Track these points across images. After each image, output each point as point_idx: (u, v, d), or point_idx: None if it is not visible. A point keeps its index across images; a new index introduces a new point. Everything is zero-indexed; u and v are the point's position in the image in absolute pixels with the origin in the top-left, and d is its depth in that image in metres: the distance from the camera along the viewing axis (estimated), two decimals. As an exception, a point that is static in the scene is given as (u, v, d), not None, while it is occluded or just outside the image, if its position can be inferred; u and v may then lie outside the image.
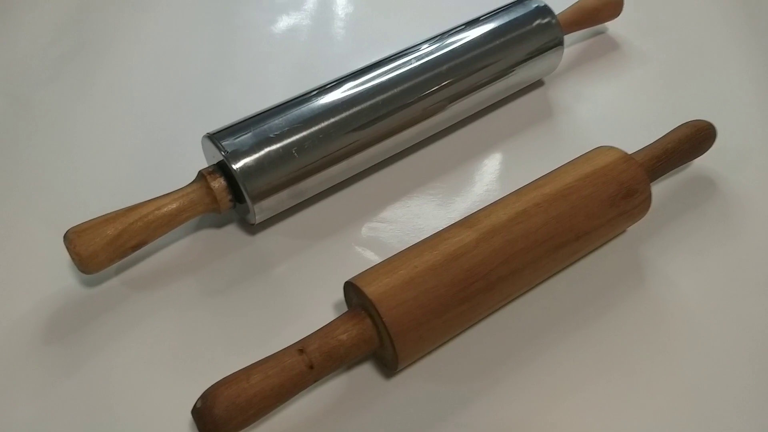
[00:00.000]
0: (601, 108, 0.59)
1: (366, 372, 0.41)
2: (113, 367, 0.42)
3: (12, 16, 0.67)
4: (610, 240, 0.48)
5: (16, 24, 0.66)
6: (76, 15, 0.68)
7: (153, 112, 0.58)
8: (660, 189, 0.52)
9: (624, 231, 0.48)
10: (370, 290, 0.38)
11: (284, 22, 0.68)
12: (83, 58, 0.63)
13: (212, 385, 0.35)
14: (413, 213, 0.51)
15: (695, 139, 0.49)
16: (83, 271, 0.43)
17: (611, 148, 0.46)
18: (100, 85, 0.61)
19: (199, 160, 0.49)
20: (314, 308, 0.44)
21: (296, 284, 0.46)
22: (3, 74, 0.62)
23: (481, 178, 0.53)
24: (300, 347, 0.37)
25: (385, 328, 0.37)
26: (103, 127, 0.57)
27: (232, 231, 0.49)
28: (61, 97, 0.59)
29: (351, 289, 0.40)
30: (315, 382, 0.38)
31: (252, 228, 0.49)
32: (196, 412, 0.35)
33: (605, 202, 0.43)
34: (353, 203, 0.51)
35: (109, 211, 0.44)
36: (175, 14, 0.68)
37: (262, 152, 0.45)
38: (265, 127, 0.46)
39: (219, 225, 0.49)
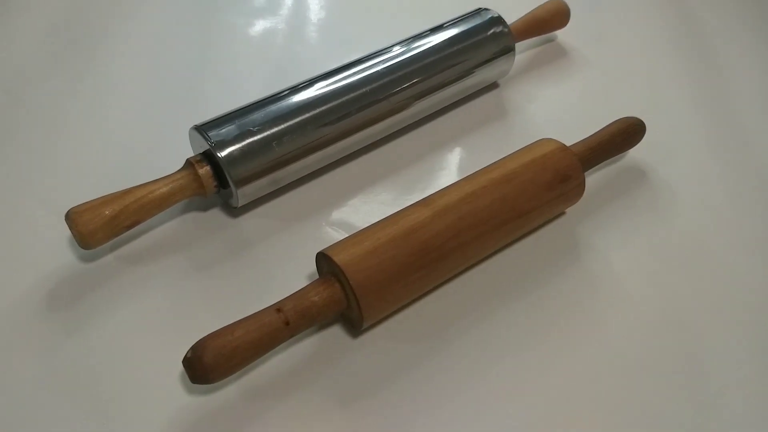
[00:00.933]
0: (549, 107, 0.66)
1: (335, 332, 0.47)
2: (110, 331, 0.47)
3: (6, 18, 0.72)
4: (551, 220, 0.54)
5: (11, 25, 0.71)
6: (66, 17, 0.72)
7: (140, 107, 0.63)
8: (597, 177, 0.58)
9: (564, 213, 0.55)
10: (339, 258, 0.43)
11: (261, 26, 0.73)
12: (74, 56, 0.68)
13: (201, 338, 0.41)
14: (378, 200, 0.57)
15: (626, 133, 0.56)
16: (83, 247, 0.48)
17: (550, 140, 0.53)
18: (90, 82, 0.66)
19: (182, 149, 0.54)
20: (290, 279, 0.49)
21: (274, 259, 0.52)
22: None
23: (441, 168, 0.59)
24: (277, 307, 0.43)
25: (351, 290, 0.43)
26: (94, 119, 0.62)
27: (216, 214, 0.55)
28: (55, 93, 0.64)
29: (322, 259, 0.46)
30: (290, 337, 0.43)
31: (234, 211, 0.55)
32: (186, 361, 0.40)
33: (543, 186, 0.50)
34: (326, 190, 0.57)
35: (101, 194, 0.49)
36: (158, 17, 0.73)
37: (245, 143, 0.51)
38: (248, 120, 0.52)
39: (204, 209, 0.55)
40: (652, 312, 0.50)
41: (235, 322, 0.42)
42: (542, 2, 0.69)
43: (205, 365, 0.40)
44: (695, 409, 0.44)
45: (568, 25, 0.71)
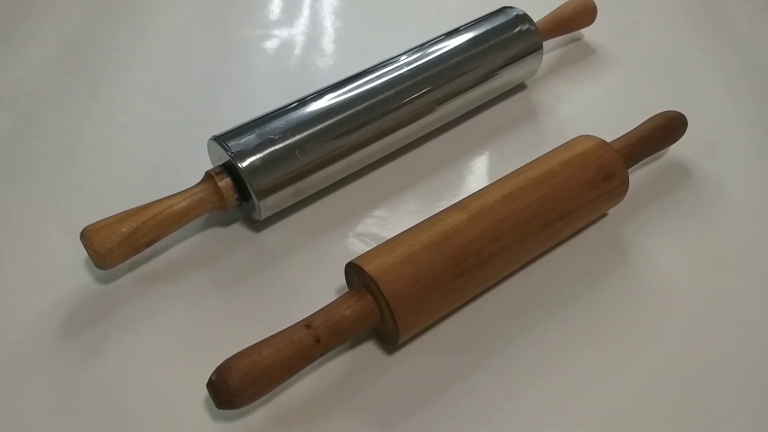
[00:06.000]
0: (581, 107, 0.63)
1: (369, 349, 0.44)
2: (129, 354, 0.44)
3: (19, 39, 0.70)
4: (594, 222, 0.51)
5: (24, 46, 0.70)
6: (79, 35, 0.71)
7: (156, 121, 0.61)
8: (639, 175, 0.55)
9: (606, 214, 0.52)
10: (370, 268, 0.40)
11: (277, 37, 0.71)
12: (88, 75, 0.66)
13: (226, 359, 0.38)
14: (407, 209, 0.54)
15: (667, 127, 0.53)
16: (99, 267, 0.46)
17: (589, 136, 0.50)
18: (105, 99, 0.64)
19: (200, 163, 0.52)
20: (318, 294, 0.46)
21: (300, 273, 0.49)
22: (13, 92, 0.64)
23: (470, 174, 0.56)
24: (307, 323, 0.40)
25: (385, 302, 0.40)
26: (110, 135, 0.60)
27: (238, 228, 0.52)
28: (69, 112, 0.62)
29: (352, 270, 0.43)
30: (322, 355, 0.40)
31: (256, 225, 0.52)
32: (211, 384, 0.38)
33: (585, 185, 0.46)
34: (351, 199, 0.54)
35: (119, 212, 0.46)
36: (173, 32, 0.72)
37: (266, 152, 0.48)
38: (268, 128, 0.49)
39: (225, 224, 0.52)
40: (707, 314, 0.46)
41: (261, 341, 0.39)
42: (566, 0, 0.67)
43: (231, 388, 0.37)
44: (759, 414, 0.41)
45: (594, 22, 0.68)
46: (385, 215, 0.53)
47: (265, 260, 0.50)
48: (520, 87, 0.64)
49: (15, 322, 0.46)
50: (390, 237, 0.45)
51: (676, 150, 0.57)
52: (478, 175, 0.56)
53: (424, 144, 0.59)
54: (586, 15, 0.67)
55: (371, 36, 0.72)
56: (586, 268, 0.49)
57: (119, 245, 0.45)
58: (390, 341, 0.43)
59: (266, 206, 0.49)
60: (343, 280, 0.46)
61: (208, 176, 0.49)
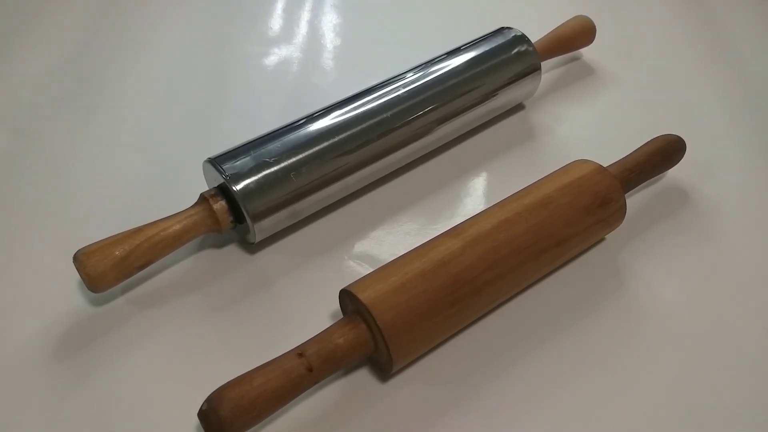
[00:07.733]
0: (579, 127, 0.62)
1: (362, 376, 0.44)
2: (121, 379, 0.44)
3: (15, 55, 0.70)
4: (590, 247, 0.51)
5: (20, 62, 0.69)
6: (76, 52, 0.71)
7: (152, 141, 0.61)
8: (636, 199, 0.55)
9: (603, 239, 0.51)
10: (364, 296, 0.40)
11: (276, 55, 0.71)
12: (85, 92, 0.66)
13: (217, 388, 0.37)
14: (403, 230, 0.53)
15: (666, 151, 0.53)
16: (92, 290, 0.45)
17: (586, 161, 0.49)
18: (101, 117, 0.63)
19: (197, 184, 0.52)
20: (312, 319, 0.46)
21: (294, 298, 0.48)
22: (7, 110, 0.64)
23: (468, 196, 0.56)
24: (299, 351, 0.39)
25: (379, 330, 0.39)
26: (105, 155, 0.59)
27: (232, 251, 0.52)
28: (64, 130, 0.62)
29: (346, 296, 0.42)
30: (314, 384, 0.40)
31: (251, 247, 0.52)
32: (202, 414, 0.37)
33: (582, 211, 0.46)
34: (347, 221, 0.54)
35: (112, 234, 0.46)
36: (171, 50, 0.71)
37: (261, 175, 0.48)
38: (264, 151, 0.49)
39: (220, 246, 0.52)
40: (705, 340, 0.46)
41: (253, 370, 0.39)
42: (565, 20, 0.67)
43: (222, 419, 0.36)
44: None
45: (593, 42, 0.68)
46: (381, 236, 0.53)
47: (259, 283, 0.49)
48: (518, 107, 0.64)
49: (6, 344, 0.46)
50: (385, 259, 0.44)
51: (675, 173, 0.56)
52: (475, 196, 0.56)
53: (421, 165, 0.58)
54: (584, 35, 0.67)
55: (369, 54, 0.72)
56: (583, 295, 0.48)
57: (112, 269, 0.45)
58: (384, 369, 0.43)
59: (261, 229, 0.49)
60: (337, 305, 0.46)
61: (203, 198, 0.49)
